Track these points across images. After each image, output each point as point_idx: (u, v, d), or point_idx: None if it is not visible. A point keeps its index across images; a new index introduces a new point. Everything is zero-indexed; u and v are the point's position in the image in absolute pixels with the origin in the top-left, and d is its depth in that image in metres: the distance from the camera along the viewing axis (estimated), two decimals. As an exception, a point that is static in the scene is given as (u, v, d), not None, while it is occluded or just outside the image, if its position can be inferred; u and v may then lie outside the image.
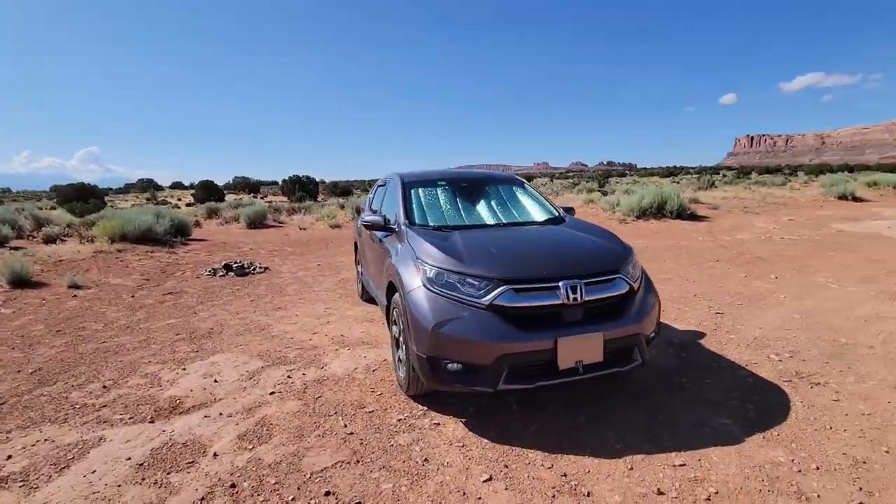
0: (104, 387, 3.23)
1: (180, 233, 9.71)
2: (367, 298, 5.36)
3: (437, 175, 4.26)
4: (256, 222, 13.49)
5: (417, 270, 2.77)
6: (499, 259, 2.70)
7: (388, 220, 3.67)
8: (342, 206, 18.82)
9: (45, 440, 2.57)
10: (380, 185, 5.20)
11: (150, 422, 2.76)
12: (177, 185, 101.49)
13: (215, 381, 3.29)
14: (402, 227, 3.44)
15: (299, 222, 13.91)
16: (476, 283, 2.56)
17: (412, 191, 3.89)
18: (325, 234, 11.65)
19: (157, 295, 5.79)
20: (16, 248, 8.84)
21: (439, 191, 3.99)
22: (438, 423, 2.67)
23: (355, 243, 5.72)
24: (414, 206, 3.70)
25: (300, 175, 60.14)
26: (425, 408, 2.85)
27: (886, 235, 8.98)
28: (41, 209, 18.00)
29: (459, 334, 2.45)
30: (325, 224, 12.79)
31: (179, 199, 54.91)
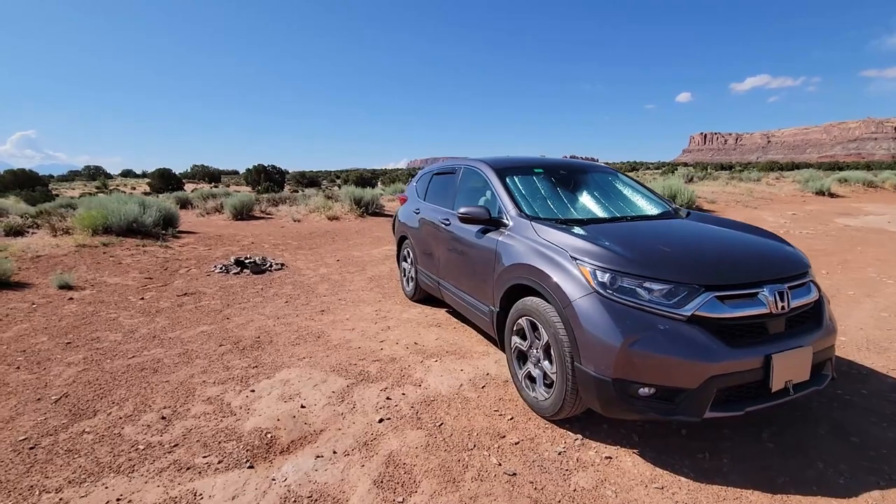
0: (163, 418, 2.59)
1: (168, 224, 8.74)
2: (421, 298, 4.83)
3: (528, 162, 3.79)
4: (243, 213, 12.53)
5: (577, 272, 2.30)
6: (684, 259, 2.27)
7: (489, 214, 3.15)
8: (328, 198, 17.92)
9: (119, 501, 1.95)
10: (438, 174, 4.66)
11: (248, 466, 2.17)
12: (128, 174, 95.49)
13: (302, 406, 2.71)
14: (518, 219, 2.95)
15: (289, 214, 13.02)
16: (663, 288, 2.12)
17: (508, 179, 3.39)
18: (324, 226, 10.89)
19: (170, 297, 5.02)
20: (-25, 242, 7.67)
21: (537, 180, 3.52)
22: (610, 457, 2.23)
23: (401, 238, 5.15)
24: (517, 196, 3.21)
25: (266, 165, 57.69)
26: (579, 435, 2.41)
27: (892, 230, 9.23)
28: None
29: (659, 352, 2.01)
30: (321, 216, 11.99)
31: (134, 189, 51.71)
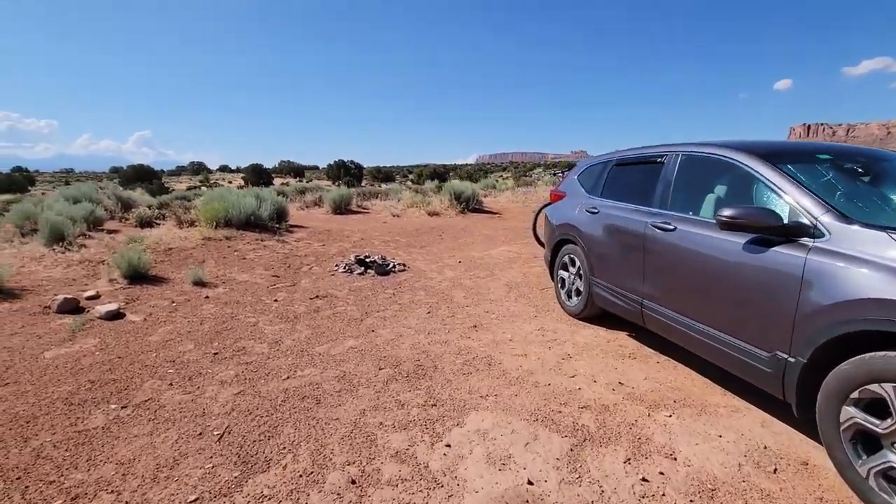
0: (352, 482, 1.98)
1: (280, 218, 8.65)
2: (590, 316, 3.98)
3: (801, 147, 2.77)
4: (342, 207, 12.43)
5: None
6: None
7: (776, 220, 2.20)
8: (418, 192, 17.64)
9: None
10: (624, 164, 3.76)
11: None
12: (224, 169, 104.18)
13: (528, 483, 1.97)
14: (841, 227, 1.98)
15: (386, 208, 12.74)
16: None
17: (785, 169, 2.41)
18: (426, 222, 10.38)
19: (303, 300, 4.61)
20: (112, 232, 8.02)
21: (825, 170, 2.50)
22: None
23: (559, 243, 4.33)
24: (823, 193, 2.22)
25: (345, 160, 59.70)
26: None
27: None
28: (103, 189, 17.69)
29: None
30: (420, 211, 11.54)
31: (230, 182, 55.76)
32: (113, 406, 2.57)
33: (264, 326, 3.86)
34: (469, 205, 11.54)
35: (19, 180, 41.36)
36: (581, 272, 3.97)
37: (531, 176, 34.20)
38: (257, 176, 50.48)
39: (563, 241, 4.30)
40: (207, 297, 4.59)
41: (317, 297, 4.70)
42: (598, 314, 3.95)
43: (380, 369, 3.07)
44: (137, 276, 4.91)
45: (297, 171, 74.71)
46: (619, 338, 3.65)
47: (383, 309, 4.36)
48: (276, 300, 4.56)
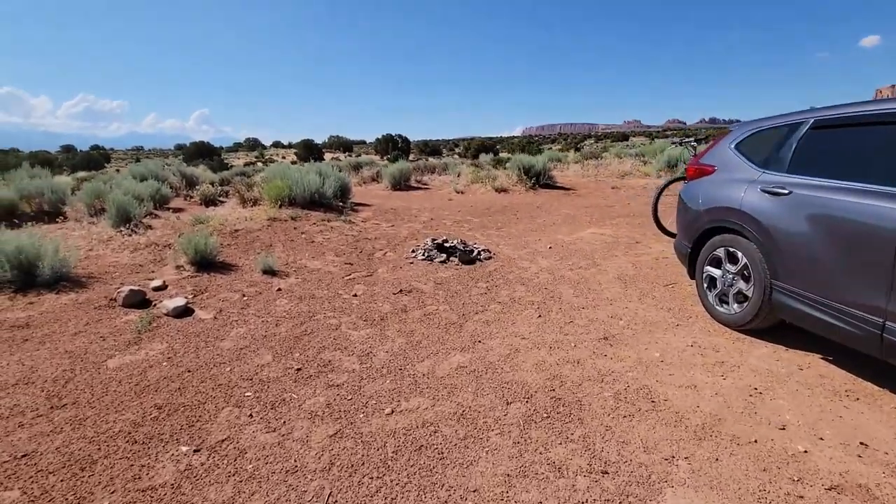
0: None
1: (343, 195, 8.11)
2: (756, 328, 3.06)
3: None
4: (401, 183, 11.80)
5: None
6: None
7: None
8: (475, 166, 16.74)
9: None
10: (825, 126, 2.75)
11: None
12: (277, 144, 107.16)
13: None
14: None
15: (447, 184, 11.97)
16: None
17: None
18: (494, 200, 9.52)
19: (385, 294, 3.97)
20: (178, 210, 7.78)
21: None
22: None
23: (707, 232, 3.39)
24: None
25: (392, 134, 59.26)
26: None
27: None
28: (169, 166, 18.02)
29: None
30: (486, 187, 10.66)
31: (283, 157, 56.99)
32: (184, 449, 2.02)
33: (349, 331, 3.25)
34: (539, 180, 10.52)
35: (97, 158, 44.09)
36: (748, 272, 3.03)
37: (584, 147, 32.03)
38: (308, 151, 51.07)
39: (715, 230, 3.36)
40: (280, 289, 4.05)
41: (400, 291, 4.04)
42: (766, 326, 3.03)
43: (508, 403, 2.35)
44: (205, 263, 4.46)
45: (346, 145, 75.25)
46: (814, 362, 2.73)
47: (482, 309, 3.64)
48: (355, 295, 3.95)
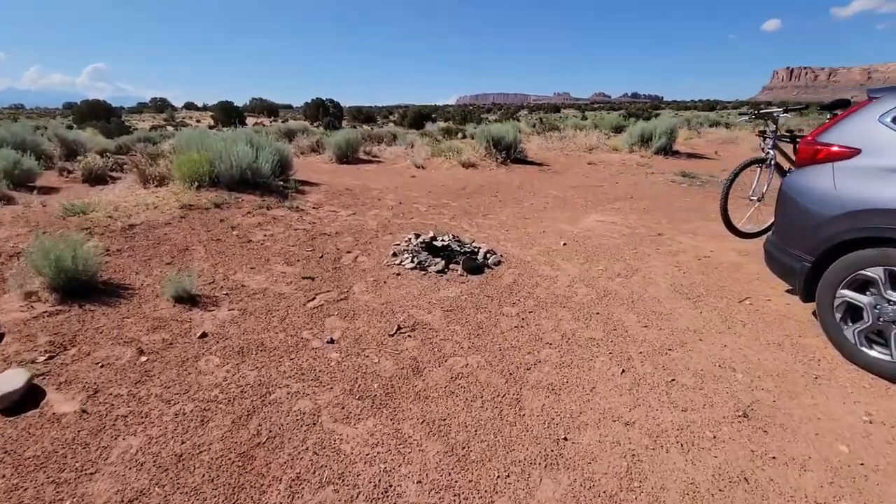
0: None
1: (282, 171, 6.38)
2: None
3: None
4: (348, 155, 10.11)
5: None
6: None
7: None
8: (427, 136, 15.31)
9: None
10: None
11: None
12: (190, 106, 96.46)
13: None
14: None
15: (402, 156, 10.45)
16: None
17: None
18: (463, 177, 8.22)
19: (377, 337, 2.61)
20: (48, 191, 5.69)
21: None
22: None
23: (837, 247, 2.39)
24: None
25: (322, 98, 55.29)
26: None
27: None
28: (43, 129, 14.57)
29: None
30: (451, 162, 9.28)
31: (198, 122, 51.37)
32: None
33: (336, 428, 1.89)
34: (510, 154, 9.35)
35: (-48, 116, 36.28)
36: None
37: (516, 117, 31.28)
38: (228, 115, 45.80)
39: (859, 242, 2.37)
40: (205, 334, 2.55)
41: (398, 330, 2.70)
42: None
43: None
44: (76, 288, 2.80)
45: (271, 110, 69.21)
46: None
47: (533, 361, 2.41)
48: (330, 341, 2.55)
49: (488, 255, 3.92)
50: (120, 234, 3.79)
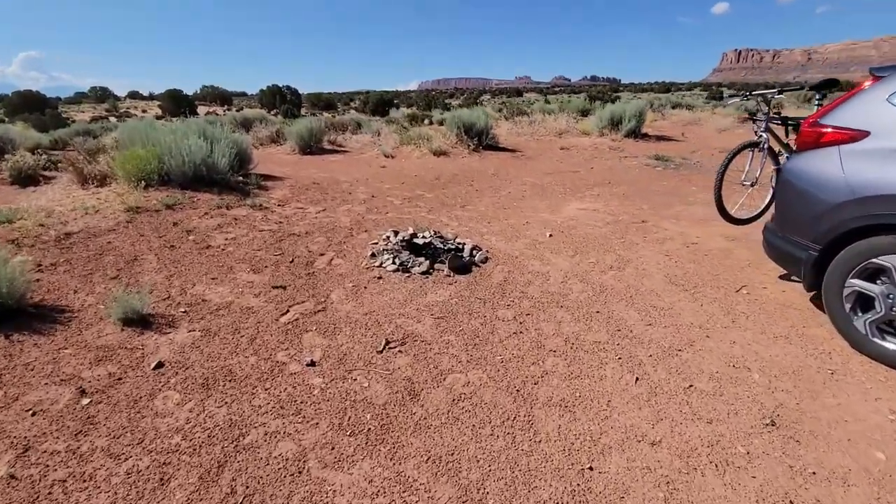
0: None
1: (241, 165, 5.88)
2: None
3: None
4: (311, 145, 9.58)
5: None
6: None
7: None
8: (393, 123, 14.89)
9: None
10: None
11: None
12: (135, 95, 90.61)
13: None
14: None
15: (369, 145, 10.00)
16: None
17: None
18: (438, 166, 7.89)
19: (360, 352, 2.32)
20: (-36, 198, 5.01)
21: None
22: None
23: (868, 228, 2.28)
24: None
25: (279, 85, 53.10)
26: None
27: None
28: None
29: None
30: (421, 150, 8.92)
31: (144, 112, 48.53)
32: None
33: (327, 476, 1.60)
34: (482, 140, 9.08)
35: None
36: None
37: (479, 101, 31.01)
38: (177, 104, 43.18)
39: (868, 230, 2.26)
40: (161, 364, 2.18)
41: (387, 344, 2.41)
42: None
43: None
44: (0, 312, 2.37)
45: (224, 98, 65.89)
46: None
47: (540, 374, 2.19)
48: (311, 363, 2.24)
49: (475, 252, 3.67)
50: (54, 244, 3.30)
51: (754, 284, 3.24)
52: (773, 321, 2.72)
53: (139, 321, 2.49)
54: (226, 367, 2.18)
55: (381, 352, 2.33)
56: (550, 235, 4.26)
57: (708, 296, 3.07)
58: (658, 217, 4.86)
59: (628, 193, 5.87)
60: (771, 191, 3.44)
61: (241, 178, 5.58)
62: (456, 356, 2.32)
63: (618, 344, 2.47)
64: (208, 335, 2.44)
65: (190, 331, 2.47)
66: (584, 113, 15.51)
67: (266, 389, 2.04)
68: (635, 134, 10.14)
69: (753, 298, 3.03)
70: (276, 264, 3.39)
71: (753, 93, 3.35)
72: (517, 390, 2.07)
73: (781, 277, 3.36)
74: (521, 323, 2.68)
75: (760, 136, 3.25)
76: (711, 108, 17.46)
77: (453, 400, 2.00)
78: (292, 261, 3.47)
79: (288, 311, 2.74)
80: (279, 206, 4.86)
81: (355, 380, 2.12)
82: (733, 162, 3.35)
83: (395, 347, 2.38)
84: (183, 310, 2.67)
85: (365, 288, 3.08)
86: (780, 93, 3.21)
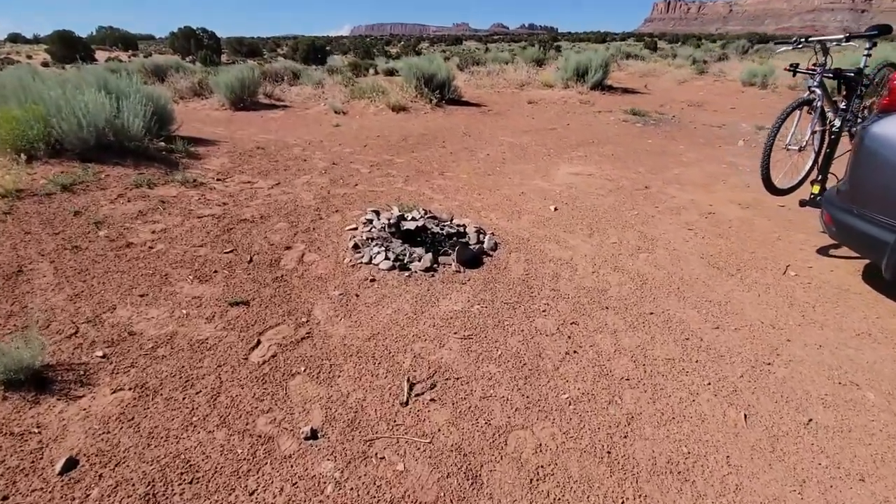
0: None
1: (160, 127, 4.68)
2: None
3: None
4: (245, 99, 8.24)
5: None
6: None
7: None
8: (336, 73, 13.39)
9: None
10: None
11: None
12: (16, 38, 77.08)
13: None
14: None
15: (314, 99, 8.77)
16: None
17: None
18: (400, 124, 6.96)
19: (382, 407, 1.65)
20: None
21: None
22: None
23: None
24: None
25: (193, 28, 47.53)
26: None
27: None
28: None
29: None
30: (377, 106, 7.86)
31: (30, 58, 41.70)
32: None
33: None
34: (444, 94, 8.16)
35: None
36: None
37: (418, 50, 29.20)
38: (69, 48, 37.00)
39: None
40: (73, 462, 1.40)
41: (412, 390, 1.76)
42: None
43: None
44: None
45: (128, 41, 57.67)
46: None
47: (624, 419, 1.66)
48: (312, 436, 1.54)
49: (481, 237, 3.02)
50: None
51: (797, 263, 2.89)
52: (843, 313, 2.36)
53: (30, 381, 1.65)
54: (181, 457, 1.44)
55: (407, 403, 1.68)
56: (555, 209, 3.68)
57: (759, 282, 2.66)
58: (660, 181, 4.43)
59: (617, 154, 5.39)
60: (813, 156, 3.04)
61: (162, 143, 4.44)
62: (508, 399, 1.73)
63: (696, 361, 1.98)
64: (145, 396, 1.66)
65: (115, 390, 1.68)
66: (539, 63, 14.78)
67: (251, 496, 1.34)
68: (601, 86, 9.64)
69: (806, 281, 2.67)
70: (229, 266, 2.55)
71: (810, 39, 2.86)
72: (607, 452, 1.53)
73: (819, 252, 3.05)
74: (569, 337, 2.11)
75: (814, 91, 2.80)
76: (655, 58, 17.34)
77: (530, 480, 1.42)
78: (251, 260, 2.65)
79: (259, 342, 1.99)
80: (219, 180, 3.87)
81: (382, 458, 1.47)
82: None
83: (423, 393, 1.74)
84: (100, 353, 1.84)
85: (357, 297, 2.36)
86: (847, 40, 2.74)
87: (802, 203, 3.17)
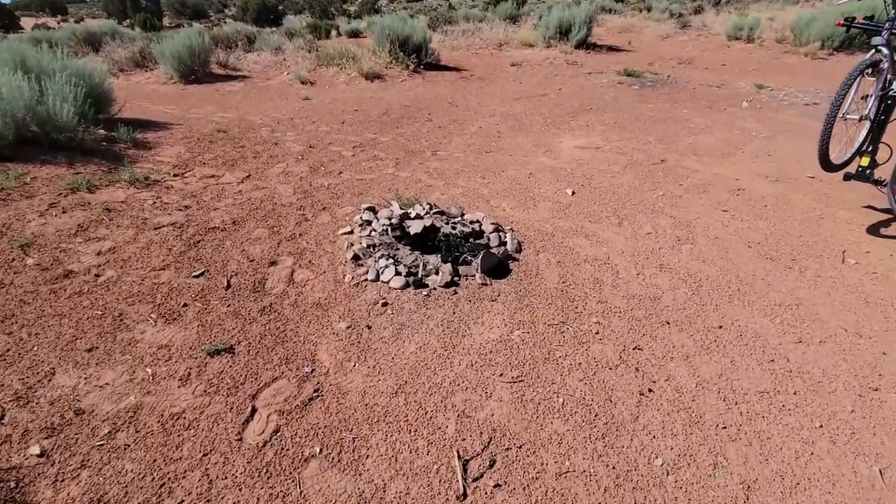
0: None
1: (97, 111, 3.93)
2: None
3: None
4: (197, 70, 7.30)
5: None
6: None
7: None
8: (292, 34, 12.26)
9: None
10: None
11: None
12: (-80, 1, 68.64)
13: None
14: None
15: (275, 67, 7.88)
16: None
17: None
18: (377, 94, 6.27)
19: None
20: None
21: None
22: None
23: None
24: None
25: (127, -13, 43.59)
26: None
27: None
28: None
29: None
30: (349, 74, 7.08)
31: None
32: None
33: None
34: (421, 58, 7.44)
35: None
36: None
37: (376, 7, 27.34)
38: (-12, 14, 33.02)
39: None
40: None
41: (465, 468, 1.36)
42: None
43: None
44: None
45: (56, 6, 52.18)
46: None
47: (743, 496, 1.32)
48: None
49: (502, 236, 2.58)
50: None
51: (852, 249, 2.59)
52: (928, 311, 2.08)
53: (-69, 513, 1.15)
54: None
55: (465, 496, 1.28)
56: (573, 193, 3.26)
57: (821, 274, 2.35)
58: (675, 153, 4.05)
59: (620, 122, 4.96)
60: (868, 125, 2.69)
61: (102, 131, 3.72)
62: (590, 474, 1.35)
63: (794, 392, 1.65)
64: (104, 519, 1.19)
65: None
66: (513, 19, 13.96)
67: None
68: (585, 44, 9.07)
69: (870, 271, 2.38)
70: (201, 296, 2.04)
71: (883, -12, 2.45)
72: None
73: (869, 233, 2.76)
74: (636, 369, 1.74)
75: (880, 51, 2.42)
76: (631, 12, 16.70)
77: None
78: (228, 285, 2.13)
79: (254, 410, 1.53)
80: (177, 175, 3.24)
81: None
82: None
83: (482, 476, 1.33)
84: (37, 450, 1.35)
85: (369, 329, 1.91)
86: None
87: (847, 177, 2.86)
